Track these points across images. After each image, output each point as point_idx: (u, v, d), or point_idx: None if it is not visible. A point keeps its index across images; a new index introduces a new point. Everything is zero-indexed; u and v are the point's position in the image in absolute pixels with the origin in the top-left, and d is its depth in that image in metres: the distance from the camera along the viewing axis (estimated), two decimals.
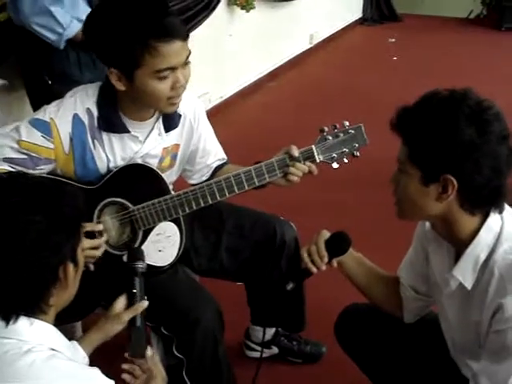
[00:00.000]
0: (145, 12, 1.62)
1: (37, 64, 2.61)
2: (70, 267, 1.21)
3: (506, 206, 1.44)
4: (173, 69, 1.66)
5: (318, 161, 1.80)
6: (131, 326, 1.53)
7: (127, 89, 1.70)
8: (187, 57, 1.69)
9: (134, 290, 1.55)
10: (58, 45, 2.51)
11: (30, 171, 1.73)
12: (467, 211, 1.39)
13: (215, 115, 2.04)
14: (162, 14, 1.64)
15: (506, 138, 1.33)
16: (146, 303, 1.54)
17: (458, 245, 1.45)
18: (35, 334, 1.18)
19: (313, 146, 1.80)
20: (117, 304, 1.56)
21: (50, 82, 2.59)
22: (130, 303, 1.55)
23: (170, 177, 1.95)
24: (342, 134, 1.81)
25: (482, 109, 1.33)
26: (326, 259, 1.62)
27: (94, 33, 1.71)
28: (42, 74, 2.60)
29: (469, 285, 1.43)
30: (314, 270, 1.63)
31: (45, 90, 2.57)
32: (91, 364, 1.45)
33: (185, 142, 1.94)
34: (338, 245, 1.64)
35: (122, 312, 1.54)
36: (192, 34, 1.72)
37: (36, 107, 2.58)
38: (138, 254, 1.65)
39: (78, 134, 1.75)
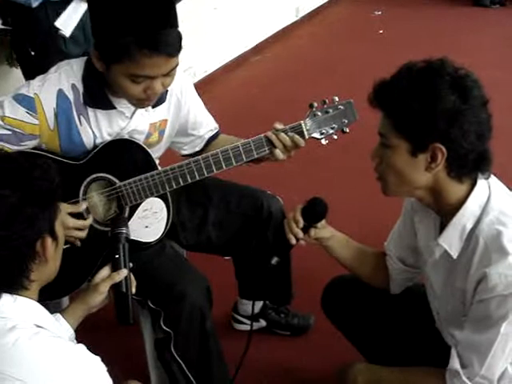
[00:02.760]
0: (143, 17, 1.57)
1: (20, 34, 2.55)
2: (48, 241, 1.20)
3: (493, 177, 1.46)
4: (149, 77, 1.63)
5: (307, 137, 1.80)
6: (117, 293, 1.52)
7: (104, 72, 1.68)
8: (172, 69, 1.66)
9: (117, 256, 1.54)
10: (30, 3, 2.41)
11: (15, 147, 1.72)
12: (455, 179, 1.40)
13: (200, 89, 2.02)
14: (158, 26, 1.59)
15: (486, 103, 1.37)
16: (124, 272, 1.52)
17: (445, 214, 1.47)
18: (19, 311, 1.18)
19: (302, 122, 1.79)
20: (98, 274, 1.54)
21: (32, 54, 2.53)
22: (114, 270, 1.53)
23: (156, 152, 1.95)
24: (331, 110, 1.80)
25: (462, 76, 1.36)
26: (300, 223, 1.63)
27: (93, 6, 1.67)
28: (25, 45, 2.54)
29: (455, 253, 1.45)
30: (293, 240, 1.64)
31: (29, 61, 2.52)
32: (77, 335, 1.46)
33: (172, 117, 1.92)
34: (312, 209, 1.65)
35: (101, 282, 1.52)
36: (176, 7, 1.67)
37: (26, 78, 2.52)
38: (120, 221, 1.64)
39: (62, 110, 1.73)
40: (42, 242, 1.20)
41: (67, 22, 2.41)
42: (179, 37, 1.64)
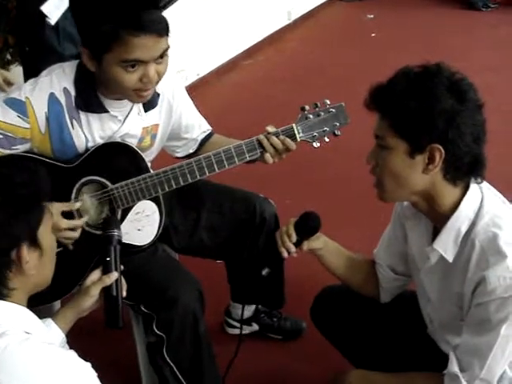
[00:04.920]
0: (123, 0, 1.57)
1: (16, 30, 2.53)
2: (24, 250, 1.17)
3: (484, 181, 1.47)
4: (142, 62, 1.62)
5: (298, 139, 1.80)
6: (107, 296, 1.50)
7: (97, 71, 1.67)
8: (163, 52, 1.64)
9: (108, 259, 1.52)
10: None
11: (6, 151, 1.72)
12: (450, 182, 1.40)
13: (192, 93, 2.02)
14: (142, 5, 1.58)
15: (481, 106, 1.38)
16: (115, 274, 1.50)
17: (438, 219, 1.47)
18: (8, 317, 1.16)
19: (293, 125, 1.79)
20: (89, 277, 1.52)
21: (27, 49, 2.51)
22: (105, 272, 1.51)
23: (148, 156, 1.94)
24: (323, 113, 1.80)
25: (458, 79, 1.37)
26: (293, 238, 1.63)
27: (76, 4, 1.67)
28: (20, 41, 2.52)
29: (450, 257, 1.45)
30: (285, 254, 1.64)
31: (26, 58, 2.50)
32: (69, 340, 1.45)
33: (164, 121, 1.92)
34: (305, 224, 1.65)
35: (91, 285, 1.50)
36: (169, 10, 1.67)
37: (26, 78, 2.49)
38: (112, 223, 1.61)
39: (54, 114, 1.72)
40: (18, 251, 1.16)
41: (53, 8, 2.37)
42: (165, 18, 1.63)
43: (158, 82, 1.71)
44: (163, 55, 1.65)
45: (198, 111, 2.05)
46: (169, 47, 1.66)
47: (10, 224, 1.13)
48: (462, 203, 1.42)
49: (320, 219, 1.66)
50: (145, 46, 1.59)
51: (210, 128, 2.08)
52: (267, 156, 1.79)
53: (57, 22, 2.36)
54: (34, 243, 1.19)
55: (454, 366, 1.44)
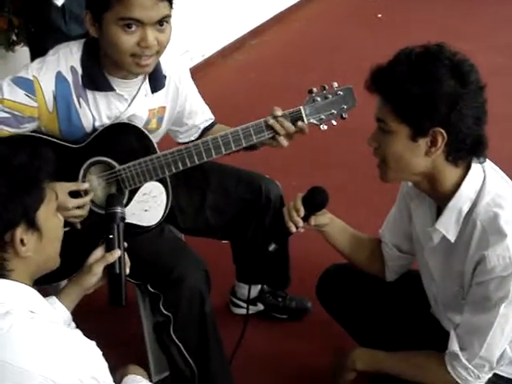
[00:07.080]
0: None
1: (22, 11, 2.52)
2: (18, 233, 1.16)
3: (488, 161, 1.47)
4: (140, 22, 1.61)
5: (306, 122, 1.79)
6: (110, 273, 1.50)
7: (99, 36, 1.67)
8: (162, 18, 1.63)
9: (111, 236, 1.52)
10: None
11: (14, 130, 1.72)
12: (451, 163, 1.41)
13: (197, 74, 2.01)
14: None
15: (482, 88, 1.38)
16: (118, 252, 1.50)
17: (441, 199, 1.48)
18: (12, 296, 1.17)
19: (301, 107, 1.79)
20: (92, 255, 1.52)
21: (32, 30, 2.50)
22: (108, 250, 1.51)
23: (154, 138, 1.94)
24: (330, 96, 1.79)
25: (460, 61, 1.37)
26: (301, 212, 1.63)
27: None
28: (26, 22, 2.51)
29: (452, 237, 1.46)
30: (293, 228, 1.64)
31: (31, 38, 2.49)
32: (76, 320, 1.46)
33: (170, 103, 1.92)
34: (312, 198, 1.66)
35: (94, 263, 1.49)
36: None
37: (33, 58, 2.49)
38: (114, 200, 1.61)
39: (61, 92, 1.73)
40: (12, 234, 1.15)
41: None
42: None
43: (158, 53, 1.69)
44: (163, 22, 1.65)
45: (201, 99, 2.05)
46: (170, 16, 1.66)
47: (4, 207, 1.12)
48: (464, 183, 1.43)
49: (327, 194, 1.67)
50: (143, 6, 1.59)
51: (213, 117, 2.09)
52: (281, 139, 1.79)
53: (63, 3, 2.35)
54: (32, 226, 1.18)
55: (454, 345, 1.46)
